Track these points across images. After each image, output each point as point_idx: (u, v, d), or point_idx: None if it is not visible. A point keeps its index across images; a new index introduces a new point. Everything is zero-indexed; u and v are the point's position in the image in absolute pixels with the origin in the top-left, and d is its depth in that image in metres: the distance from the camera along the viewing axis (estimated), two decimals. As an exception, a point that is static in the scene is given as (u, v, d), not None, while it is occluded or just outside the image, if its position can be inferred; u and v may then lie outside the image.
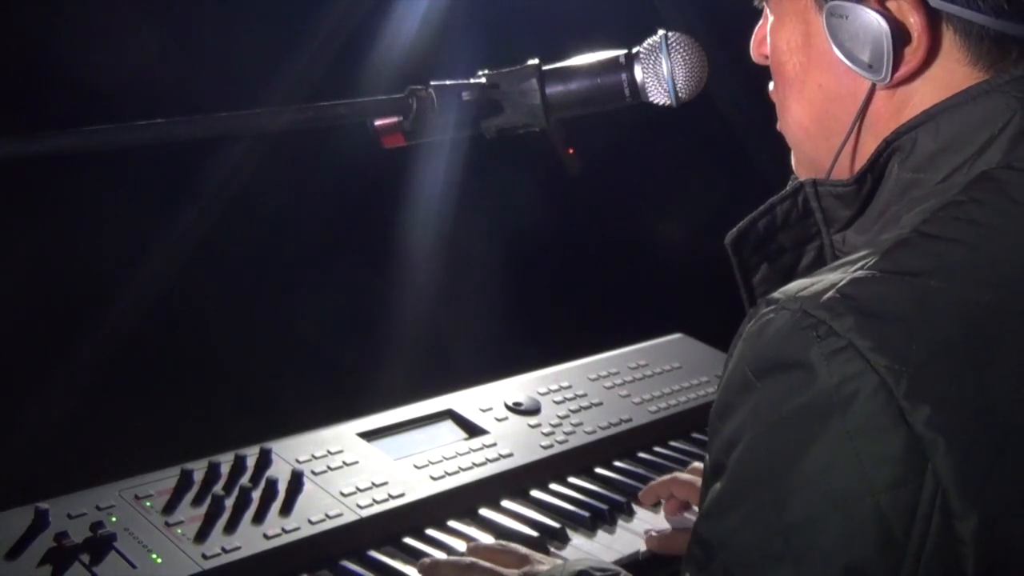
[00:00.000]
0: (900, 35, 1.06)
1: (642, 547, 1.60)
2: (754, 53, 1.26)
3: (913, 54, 1.07)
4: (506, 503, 1.70)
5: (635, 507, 1.72)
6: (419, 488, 1.64)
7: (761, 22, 1.24)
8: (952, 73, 1.08)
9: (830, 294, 0.95)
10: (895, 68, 1.07)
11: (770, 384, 0.96)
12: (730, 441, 0.99)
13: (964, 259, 0.98)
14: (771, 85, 1.23)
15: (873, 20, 1.06)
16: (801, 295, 0.97)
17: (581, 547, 1.60)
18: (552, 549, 1.59)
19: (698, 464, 1.75)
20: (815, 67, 1.14)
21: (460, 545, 1.55)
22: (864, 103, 1.11)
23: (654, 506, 1.71)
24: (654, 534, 1.62)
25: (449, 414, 1.86)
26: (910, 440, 0.90)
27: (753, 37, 1.26)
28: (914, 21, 1.06)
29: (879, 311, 0.94)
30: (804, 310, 0.95)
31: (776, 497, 0.94)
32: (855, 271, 0.98)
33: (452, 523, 1.63)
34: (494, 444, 1.78)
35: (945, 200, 1.03)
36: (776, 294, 1.00)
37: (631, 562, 1.58)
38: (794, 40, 1.15)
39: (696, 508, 1.64)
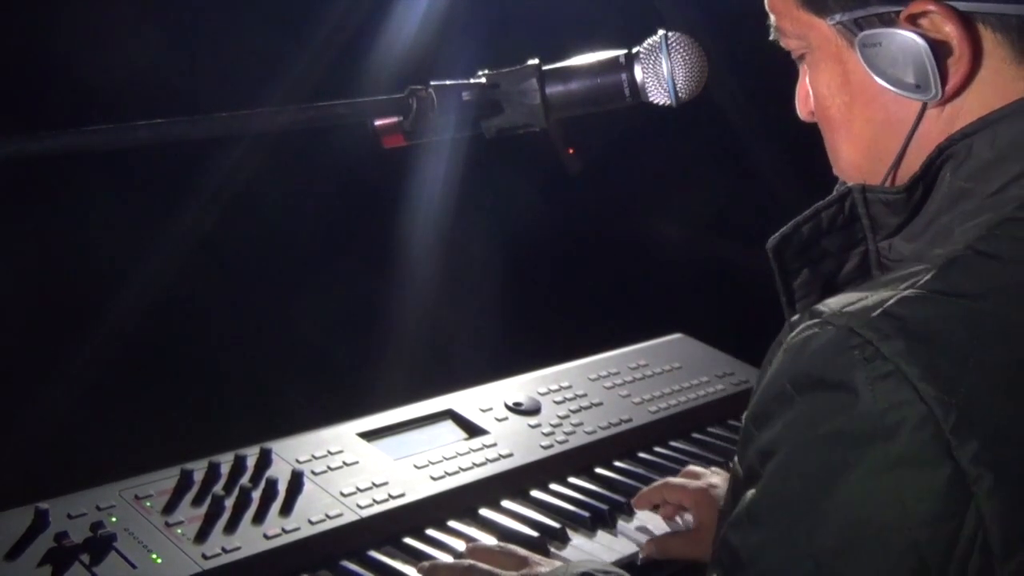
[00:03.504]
0: (939, 49, 1.03)
1: (642, 546, 1.60)
2: (801, 112, 1.23)
3: (957, 64, 1.03)
4: (506, 503, 1.70)
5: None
6: (419, 488, 1.64)
7: (799, 81, 1.22)
8: (1001, 74, 1.04)
9: (878, 312, 0.92)
10: (943, 83, 1.04)
11: (809, 400, 0.93)
12: (765, 451, 0.97)
13: (1021, 282, 0.94)
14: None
15: (909, 40, 1.03)
16: (848, 311, 0.94)
17: (581, 547, 1.60)
18: (552, 549, 1.59)
19: (692, 467, 1.75)
20: (859, 103, 1.11)
21: (460, 545, 1.55)
22: (914, 124, 1.08)
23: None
24: (651, 540, 1.61)
25: (449, 414, 1.86)
26: (955, 475, 0.86)
27: (796, 98, 1.23)
28: (949, 30, 1.02)
29: (930, 335, 0.90)
30: (850, 328, 0.92)
31: (809, 520, 0.91)
32: (905, 289, 0.94)
33: (452, 523, 1.63)
34: (494, 444, 1.78)
35: (1002, 216, 0.99)
36: (821, 306, 0.97)
37: (631, 563, 1.58)
38: (833, 82, 1.12)
39: (689, 515, 1.64)
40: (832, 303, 0.97)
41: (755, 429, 1.00)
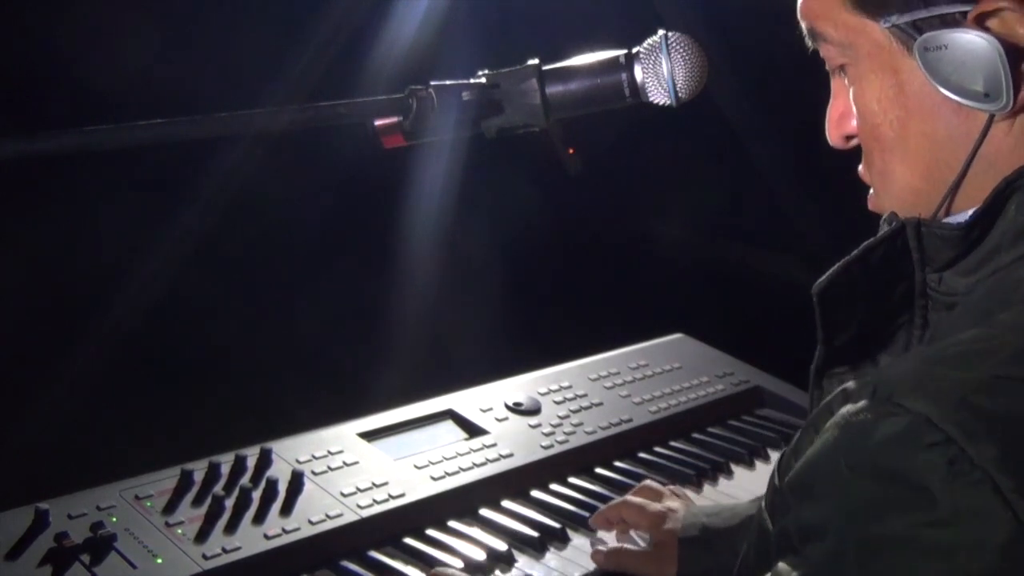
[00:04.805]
0: (1012, 53, 0.93)
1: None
2: (833, 137, 1.10)
3: None
4: (506, 503, 1.69)
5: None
6: (419, 488, 1.64)
7: (832, 100, 1.10)
8: None
9: (960, 402, 0.80)
10: (1016, 91, 0.93)
11: (872, 491, 0.82)
12: (809, 528, 0.86)
13: None
14: (860, 167, 1.10)
15: (979, 42, 0.92)
16: (921, 393, 0.82)
17: (582, 547, 1.59)
18: (552, 549, 1.59)
19: (650, 483, 1.68)
20: (916, 116, 1.00)
21: (461, 545, 1.55)
22: (979, 139, 0.97)
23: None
24: (601, 548, 1.54)
25: (449, 414, 1.86)
26: None
27: (828, 121, 1.11)
28: (1023, 32, 0.93)
29: None
30: (928, 419, 0.80)
31: None
32: (990, 367, 0.82)
33: (452, 523, 1.62)
34: (494, 444, 1.78)
35: None
36: (886, 380, 0.86)
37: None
38: (885, 96, 1.01)
39: (644, 535, 1.56)
40: (898, 376, 0.86)
41: (794, 498, 0.89)
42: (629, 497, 1.62)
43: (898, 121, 1.01)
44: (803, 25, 1.07)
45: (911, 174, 1.03)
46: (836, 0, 1.02)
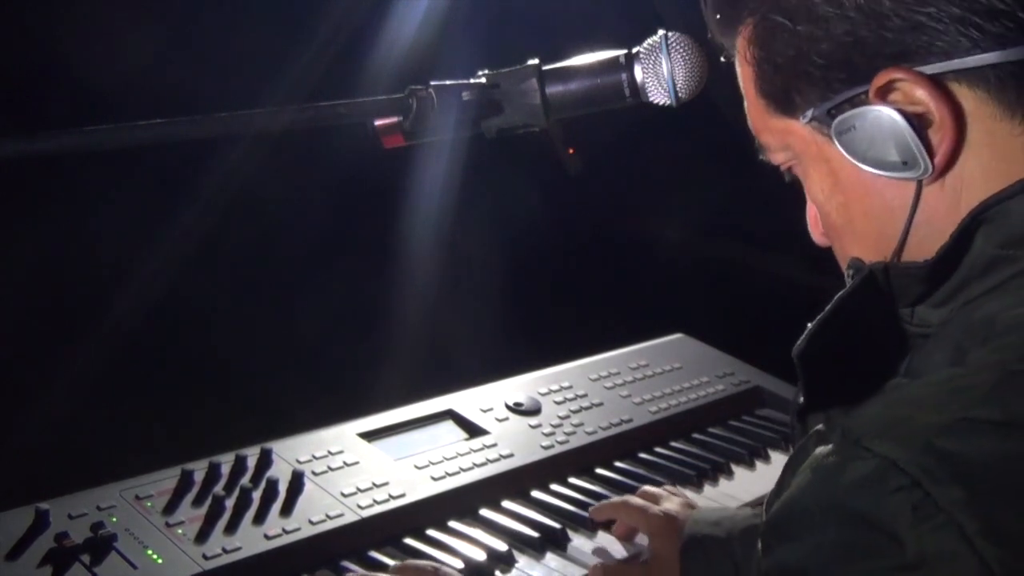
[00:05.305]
0: (920, 120, 0.96)
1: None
2: (815, 236, 1.15)
3: (941, 132, 0.96)
4: (507, 503, 1.69)
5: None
6: (420, 488, 1.64)
7: (808, 205, 1.15)
8: (995, 134, 0.96)
9: (925, 445, 0.80)
10: (931, 155, 0.96)
11: (844, 534, 0.82)
12: (786, 570, 0.86)
13: None
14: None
15: (882, 115, 0.96)
16: (888, 436, 0.82)
17: (582, 547, 1.59)
18: (553, 549, 1.58)
19: (649, 488, 1.67)
20: (853, 198, 1.04)
21: (461, 546, 1.55)
22: (912, 206, 0.99)
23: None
24: (598, 565, 1.53)
25: (450, 414, 1.86)
26: None
27: (808, 222, 1.16)
28: (922, 96, 0.95)
29: (990, 481, 0.78)
30: (894, 463, 0.80)
31: None
32: (953, 412, 0.81)
33: (453, 523, 1.62)
34: (495, 444, 1.78)
35: None
36: (854, 423, 0.86)
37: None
38: (826, 185, 1.06)
39: (643, 537, 1.57)
40: (866, 419, 0.86)
41: (774, 540, 0.88)
42: (630, 498, 1.62)
43: (840, 207, 1.06)
44: (756, 140, 1.13)
45: (864, 252, 1.06)
46: (762, 110, 1.09)
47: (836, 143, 1.01)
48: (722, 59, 1.15)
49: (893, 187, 1.01)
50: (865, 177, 1.01)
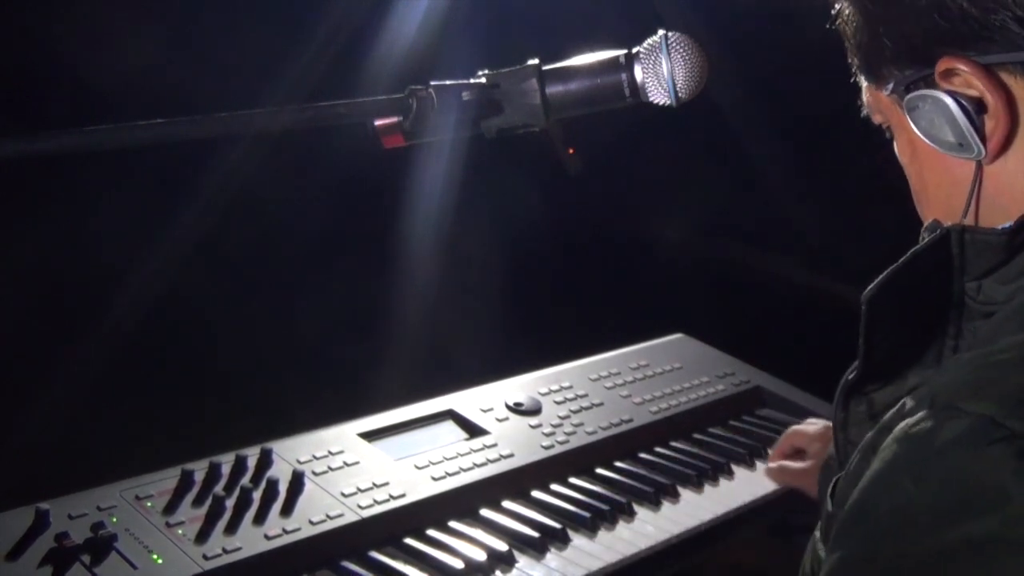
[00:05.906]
0: (976, 105, 1.02)
1: (643, 547, 1.60)
2: None
3: (995, 120, 1.01)
4: (507, 503, 1.70)
5: (636, 507, 1.71)
6: (420, 488, 1.64)
7: None
8: None
9: (1019, 400, 0.82)
10: (984, 140, 1.02)
11: (940, 497, 0.82)
12: (876, 552, 0.86)
13: None
14: None
15: (940, 99, 1.02)
16: (981, 396, 0.84)
17: (582, 547, 1.60)
18: (552, 550, 1.59)
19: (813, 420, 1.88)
20: (927, 168, 1.11)
21: (461, 545, 1.55)
22: (972, 184, 1.05)
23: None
24: (772, 466, 1.80)
25: (450, 414, 1.86)
26: None
27: None
28: (980, 85, 1.01)
29: None
30: (992, 419, 0.82)
31: None
32: None
33: (453, 523, 1.63)
34: (495, 444, 1.78)
35: None
36: (939, 389, 0.88)
37: (632, 563, 1.58)
38: (906, 151, 1.13)
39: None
40: (954, 382, 0.88)
41: (855, 523, 0.88)
42: (794, 427, 1.85)
43: (917, 173, 1.13)
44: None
45: (940, 217, 1.11)
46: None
47: (907, 118, 1.08)
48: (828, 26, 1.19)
49: (958, 164, 1.06)
50: (935, 151, 1.07)
